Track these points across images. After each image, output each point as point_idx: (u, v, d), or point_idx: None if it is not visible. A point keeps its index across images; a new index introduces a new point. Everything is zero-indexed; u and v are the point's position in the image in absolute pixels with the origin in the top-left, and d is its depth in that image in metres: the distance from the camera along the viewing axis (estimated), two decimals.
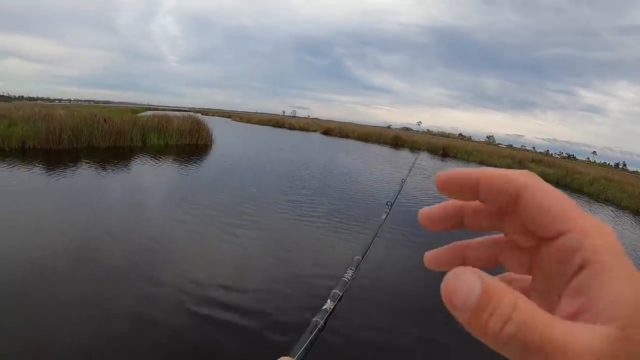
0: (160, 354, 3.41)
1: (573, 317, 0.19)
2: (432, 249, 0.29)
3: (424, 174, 17.99)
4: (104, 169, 10.96)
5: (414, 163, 4.68)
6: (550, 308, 0.20)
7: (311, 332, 0.81)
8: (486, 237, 0.28)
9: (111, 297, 4.18)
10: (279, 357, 0.63)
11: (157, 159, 13.96)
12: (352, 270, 1.16)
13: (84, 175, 9.99)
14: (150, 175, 11.08)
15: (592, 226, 0.21)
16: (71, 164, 11.05)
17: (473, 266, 0.20)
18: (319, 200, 9.88)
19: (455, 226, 0.28)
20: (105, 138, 15.39)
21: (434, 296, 3.20)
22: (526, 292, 0.25)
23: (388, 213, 2.05)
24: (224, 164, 14.86)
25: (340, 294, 1.01)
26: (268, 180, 12.25)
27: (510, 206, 0.24)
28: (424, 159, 30.43)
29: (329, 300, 0.96)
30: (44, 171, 9.87)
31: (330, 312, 0.93)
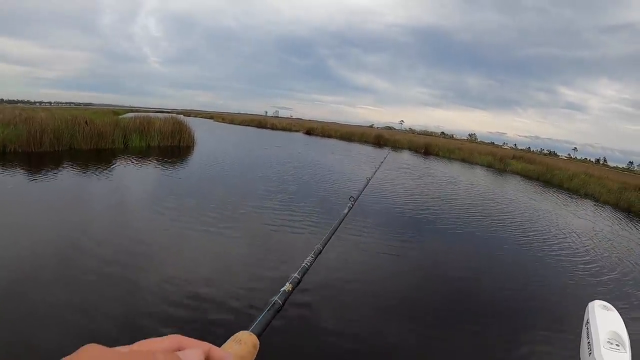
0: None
1: None
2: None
3: (402, 171, 18.46)
4: (86, 171, 11.10)
5: (381, 162, 4.98)
6: None
7: (269, 310, 0.87)
8: None
9: (94, 300, 4.25)
10: (238, 332, 0.68)
11: (139, 161, 14.13)
12: (312, 257, 1.23)
13: (66, 178, 10.10)
14: (132, 178, 11.27)
15: None
16: (53, 167, 11.16)
17: None
18: (297, 197, 10.31)
19: None
20: (86, 140, 15.49)
21: (392, 286, 5.13)
22: None
23: (351, 207, 2.10)
24: (206, 166, 15.08)
25: (299, 277, 1.07)
26: (249, 180, 12.63)
27: None
28: (407, 158, 31.04)
29: (288, 283, 1.01)
30: (25, 174, 9.96)
31: (289, 294, 0.97)
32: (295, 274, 1.06)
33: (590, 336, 1.27)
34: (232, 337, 0.65)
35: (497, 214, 11.58)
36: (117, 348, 0.32)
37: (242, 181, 12.28)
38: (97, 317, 3.92)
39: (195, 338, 0.42)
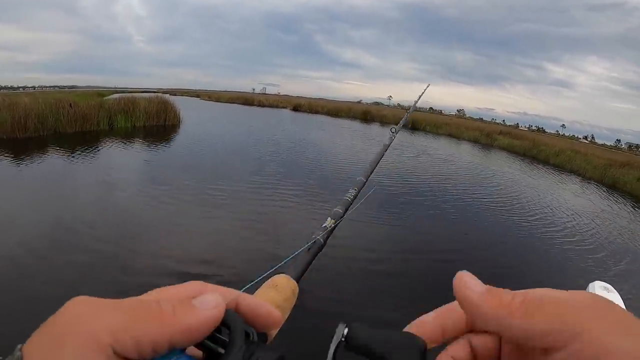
0: None
1: None
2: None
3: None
4: (72, 154, 11.17)
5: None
6: None
7: (309, 250, 0.75)
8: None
9: (88, 284, 4.27)
10: (273, 276, 0.60)
11: (125, 142, 14.22)
12: (355, 190, 1.11)
13: (52, 162, 10.18)
14: (118, 159, 11.39)
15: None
16: (38, 152, 11.20)
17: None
18: (289, 173, 10.48)
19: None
20: (71, 123, 15.44)
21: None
22: None
23: (393, 139, 1.97)
24: (192, 144, 15.18)
25: (342, 212, 0.96)
26: (235, 157, 12.79)
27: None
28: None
29: (329, 218, 0.89)
30: (10, 161, 9.98)
31: (332, 230, 0.86)
32: (337, 209, 0.96)
33: None
34: (266, 283, 0.58)
35: (482, 190, 11.85)
36: (116, 300, 0.29)
37: (226, 159, 12.46)
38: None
39: None
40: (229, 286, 0.35)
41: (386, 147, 1.79)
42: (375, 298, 4.71)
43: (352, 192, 1.09)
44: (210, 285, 0.34)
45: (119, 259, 4.95)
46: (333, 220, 0.88)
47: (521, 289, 0.25)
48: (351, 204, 1.04)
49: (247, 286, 0.48)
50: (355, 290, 4.83)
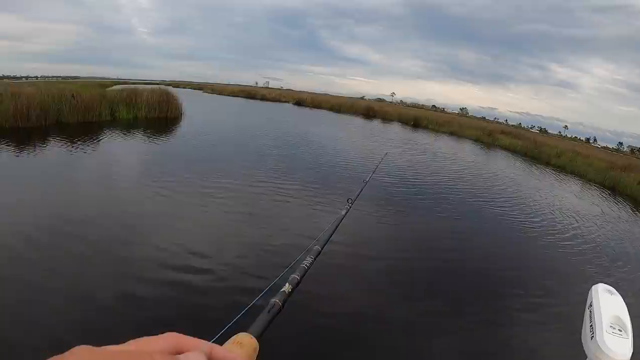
0: (140, 327, 3.48)
1: None
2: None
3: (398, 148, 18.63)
4: (74, 145, 11.21)
5: (378, 164, 4.84)
6: None
7: (269, 312, 0.86)
8: None
9: (92, 274, 4.30)
10: (237, 333, 0.67)
11: (127, 133, 14.28)
12: (312, 258, 1.22)
13: (54, 152, 10.22)
14: (120, 150, 11.46)
15: None
16: (41, 142, 11.25)
17: None
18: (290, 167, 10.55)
19: None
20: (73, 114, 15.49)
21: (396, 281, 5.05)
22: None
23: (349, 209, 2.08)
24: (193, 136, 15.29)
25: (299, 278, 1.06)
26: (232, 151, 12.82)
27: None
28: (396, 130, 31.27)
29: (287, 283, 1.00)
30: (12, 150, 10.00)
31: (289, 295, 0.96)
32: (295, 274, 1.07)
33: (593, 319, 1.26)
34: (231, 339, 0.65)
35: (481, 190, 11.83)
36: (110, 347, 0.31)
37: (224, 153, 12.44)
38: (91, 292, 3.97)
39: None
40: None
41: (342, 218, 1.91)
42: (376, 297, 4.76)
43: (309, 259, 1.20)
44: (186, 339, 0.36)
45: (117, 250, 4.96)
46: (290, 286, 0.99)
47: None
48: (307, 270, 1.14)
49: (215, 338, 0.55)
50: (357, 291, 4.85)
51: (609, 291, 1.34)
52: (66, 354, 0.29)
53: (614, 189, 17.64)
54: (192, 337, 0.37)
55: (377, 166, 4.33)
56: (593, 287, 1.38)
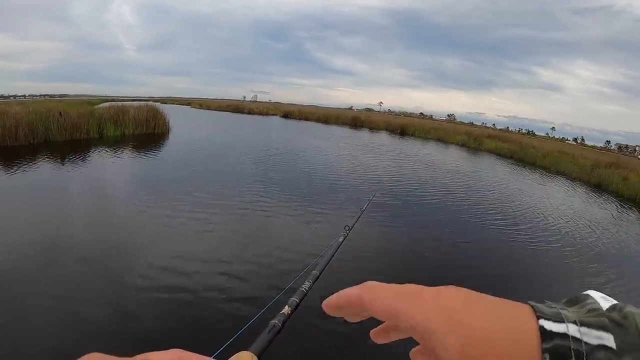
0: (135, 344, 3.49)
1: None
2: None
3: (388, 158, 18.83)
4: (62, 163, 11.38)
5: (374, 195, 4.65)
6: None
7: (269, 332, 0.90)
8: None
9: (82, 292, 4.28)
10: (238, 352, 0.68)
11: (114, 150, 14.45)
12: (310, 282, 1.27)
13: (42, 170, 10.31)
14: (108, 167, 11.58)
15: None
16: (29, 160, 11.33)
17: None
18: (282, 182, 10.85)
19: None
20: (61, 132, 15.69)
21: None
22: None
23: (346, 236, 2.10)
24: (180, 152, 15.47)
25: (298, 301, 1.10)
26: (217, 166, 13.13)
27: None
28: (383, 138, 31.71)
29: (286, 306, 1.04)
30: (1, 169, 10.09)
31: (288, 317, 1.00)
32: (294, 298, 1.11)
33: None
34: (233, 357, 0.66)
35: (466, 193, 12.11)
36: (121, 359, 0.31)
37: (209, 169, 12.60)
38: (84, 311, 3.95)
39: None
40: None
41: (339, 245, 1.95)
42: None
43: (308, 284, 1.26)
44: (190, 354, 0.36)
45: (106, 269, 4.93)
46: (289, 309, 1.05)
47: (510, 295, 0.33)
48: (306, 294, 1.20)
49: (216, 353, 0.61)
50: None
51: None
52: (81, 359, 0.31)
53: (599, 186, 18.10)
54: (195, 354, 0.37)
55: (374, 195, 4.07)
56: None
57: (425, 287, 0.32)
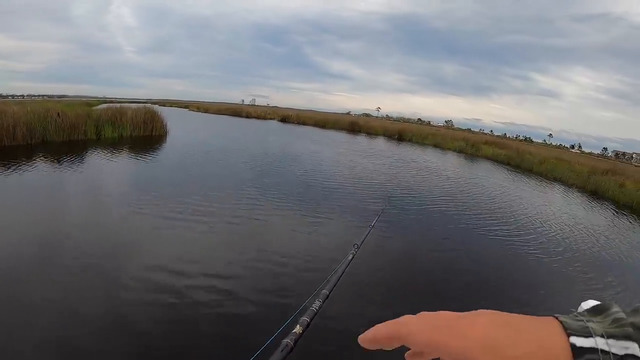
0: (133, 351, 3.49)
1: None
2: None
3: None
4: (59, 163, 11.37)
5: (382, 209, 4.52)
6: None
7: (282, 351, 0.93)
8: None
9: (79, 295, 4.22)
10: None
11: (111, 152, 14.45)
12: (320, 302, 1.29)
13: (39, 171, 10.28)
14: (105, 168, 11.56)
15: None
16: (26, 160, 11.34)
17: None
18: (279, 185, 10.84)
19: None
20: (59, 133, 15.70)
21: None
22: None
23: (355, 254, 2.16)
24: (174, 156, 15.38)
25: (309, 321, 1.13)
26: (214, 169, 13.13)
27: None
28: (381, 144, 31.79)
29: (298, 325, 1.07)
30: None
31: (299, 336, 1.03)
32: (305, 317, 1.15)
33: None
34: None
35: (458, 200, 12.16)
36: None
37: (205, 172, 12.60)
38: (79, 314, 3.88)
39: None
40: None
41: (348, 262, 2.00)
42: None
43: (318, 303, 1.29)
44: None
45: (104, 271, 4.87)
46: (301, 328, 1.08)
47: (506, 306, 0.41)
48: (316, 313, 1.23)
49: None
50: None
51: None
52: None
53: (595, 193, 18.23)
54: None
55: (383, 209, 3.93)
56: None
57: (460, 314, 0.34)
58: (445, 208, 10.54)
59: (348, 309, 4.52)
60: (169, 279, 4.85)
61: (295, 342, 1.00)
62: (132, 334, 3.73)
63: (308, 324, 1.12)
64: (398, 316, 0.37)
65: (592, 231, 10.17)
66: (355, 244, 2.28)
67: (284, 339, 0.99)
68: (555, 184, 20.39)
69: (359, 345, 0.39)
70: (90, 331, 3.65)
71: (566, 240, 8.85)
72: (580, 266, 7.14)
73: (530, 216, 10.89)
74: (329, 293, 1.43)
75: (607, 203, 16.14)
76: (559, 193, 17.41)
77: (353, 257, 2.11)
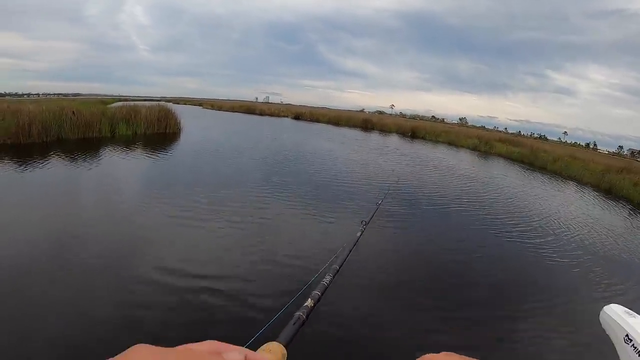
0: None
1: None
2: None
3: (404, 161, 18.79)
4: (74, 161, 11.44)
5: (389, 189, 4.56)
6: None
7: (294, 324, 0.95)
8: None
9: (92, 292, 4.22)
10: (268, 342, 0.74)
11: (126, 149, 14.51)
12: (331, 276, 1.32)
13: (55, 168, 10.34)
14: (118, 165, 11.59)
15: None
16: (41, 158, 11.42)
17: None
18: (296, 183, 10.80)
19: None
20: (74, 130, 15.85)
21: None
22: None
23: (363, 231, 2.19)
24: (188, 153, 15.36)
25: (320, 294, 1.16)
26: (237, 166, 13.10)
27: None
28: (395, 141, 31.51)
29: (309, 299, 1.10)
30: (14, 166, 10.17)
31: (311, 310, 1.06)
32: (316, 291, 1.17)
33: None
34: (262, 347, 0.74)
35: (475, 199, 11.94)
36: (171, 349, 0.34)
37: (227, 170, 12.59)
38: (95, 310, 3.91)
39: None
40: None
41: (357, 239, 2.04)
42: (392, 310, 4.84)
43: (329, 277, 1.32)
44: (224, 345, 0.41)
45: (118, 268, 4.88)
46: (312, 301, 1.10)
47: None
48: (327, 287, 1.26)
49: (246, 344, 0.61)
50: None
51: (629, 314, 1.10)
52: (128, 351, 0.32)
53: (610, 192, 17.93)
54: (228, 344, 0.42)
55: (389, 189, 4.05)
56: (606, 308, 1.14)
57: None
58: (459, 207, 10.36)
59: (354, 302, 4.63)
60: (180, 271, 4.93)
61: (307, 315, 1.02)
62: (140, 332, 3.70)
63: (319, 298, 1.15)
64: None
65: (610, 232, 9.90)
66: (363, 221, 2.33)
67: (296, 312, 1.01)
68: (569, 182, 20.06)
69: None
70: (99, 330, 3.64)
71: (585, 241, 8.59)
72: (600, 270, 6.88)
73: (546, 215, 10.66)
74: (339, 268, 1.46)
75: (622, 202, 15.80)
76: (573, 192, 17.08)
77: (361, 234, 2.16)
